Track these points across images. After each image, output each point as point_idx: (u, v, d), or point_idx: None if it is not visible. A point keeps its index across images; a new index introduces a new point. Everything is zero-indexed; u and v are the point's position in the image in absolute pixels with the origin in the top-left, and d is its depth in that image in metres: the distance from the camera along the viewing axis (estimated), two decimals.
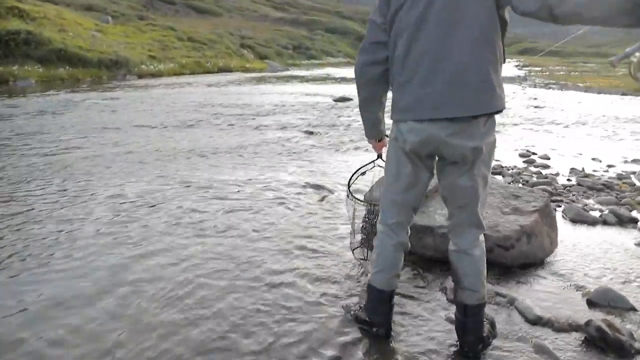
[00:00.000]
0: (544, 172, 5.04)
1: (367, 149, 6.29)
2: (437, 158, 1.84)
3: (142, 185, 4.43)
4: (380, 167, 2.52)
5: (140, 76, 19.97)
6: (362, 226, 2.82)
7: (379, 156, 2.43)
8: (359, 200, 2.72)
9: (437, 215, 3.08)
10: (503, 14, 1.66)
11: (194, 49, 27.11)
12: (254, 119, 9.00)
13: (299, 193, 4.26)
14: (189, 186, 4.42)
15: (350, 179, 2.74)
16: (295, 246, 3.07)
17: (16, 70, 16.66)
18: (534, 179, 4.65)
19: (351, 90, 15.05)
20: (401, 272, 2.07)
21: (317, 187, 4.47)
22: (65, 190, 4.28)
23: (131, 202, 3.95)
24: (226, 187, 4.41)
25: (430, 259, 2.85)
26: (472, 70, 1.62)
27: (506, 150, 6.16)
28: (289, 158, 5.71)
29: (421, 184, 1.88)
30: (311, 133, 7.37)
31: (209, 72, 24.06)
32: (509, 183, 4.41)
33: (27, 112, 9.45)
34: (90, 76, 18.79)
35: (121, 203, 3.92)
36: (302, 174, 4.94)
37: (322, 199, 4.09)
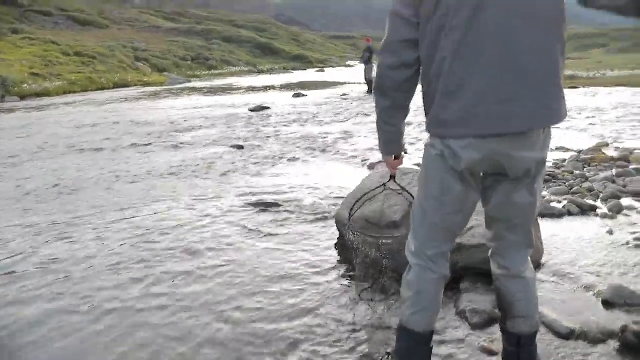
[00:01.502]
0: None
1: (305, 161, 5.99)
2: (483, 174, 1.57)
3: (46, 228, 3.70)
4: (393, 190, 2.21)
5: (22, 97, 17.71)
6: (363, 261, 2.49)
7: (392, 177, 2.06)
8: (369, 235, 2.37)
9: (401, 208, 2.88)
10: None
11: (83, 64, 24.78)
12: (171, 135, 8.26)
13: (255, 214, 3.82)
14: (107, 226, 3.77)
15: (352, 208, 2.39)
16: (276, 279, 2.66)
17: None
18: None
19: (265, 98, 14.72)
20: None
21: (269, 205, 4.07)
22: None
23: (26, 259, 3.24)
24: (162, 222, 3.83)
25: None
26: (545, 73, 1.38)
27: None
28: (224, 178, 5.21)
29: (470, 206, 1.59)
30: (241, 147, 6.88)
31: (103, 88, 22.10)
32: None
33: None
34: None
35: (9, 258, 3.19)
36: (248, 193, 4.49)
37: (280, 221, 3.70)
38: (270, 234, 3.44)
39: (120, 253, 3.15)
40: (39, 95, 18.40)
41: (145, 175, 5.38)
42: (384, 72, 1.57)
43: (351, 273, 2.70)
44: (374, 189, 2.33)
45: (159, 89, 22.46)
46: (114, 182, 5.13)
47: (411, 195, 2.22)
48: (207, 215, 3.87)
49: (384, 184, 2.24)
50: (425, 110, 1.57)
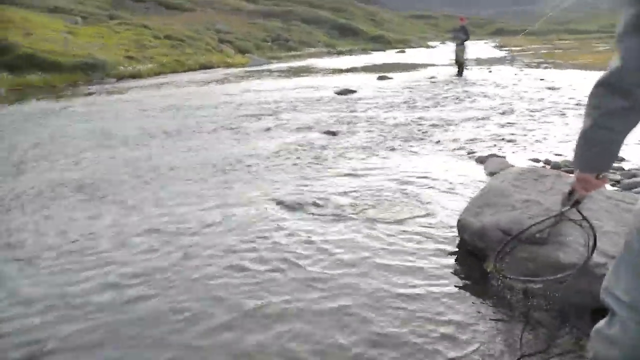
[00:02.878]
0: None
1: (405, 150, 5.60)
2: None
3: (160, 211, 3.65)
4: (575, 222, 1.75)
5: (119, 78, 18.76)
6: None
7: (577, 202, 1.61)
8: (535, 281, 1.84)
9: (581, 247, 2.40)
10: None
11: (173, 47, 25.80)
12: (260, 118, 8.20)
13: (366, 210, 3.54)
14: (223, 214, 3.66)
15: (504, 246, 1.91)
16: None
17: None
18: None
19: (349, 81, 14.36)
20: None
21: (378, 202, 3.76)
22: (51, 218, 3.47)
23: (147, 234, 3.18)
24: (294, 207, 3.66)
25: (582, 308, 2.17)
26: None
27: (562, 142, 5.56)
28: (322, 167, 4.96)
29: None
30: (333, 134, 6.62)
31: (190, 69, 22.86)
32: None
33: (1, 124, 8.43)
34: (65, 81, 17.53)
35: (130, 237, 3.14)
36: (350, 187, 4.20)
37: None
38: (384, 238, 3.14)
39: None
40: (133, 76, 19.39)
41: (243, 160, 5.27)
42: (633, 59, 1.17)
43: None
44: (545, 219, 1.85)
45: (242, 70, 22.85)
46: (220, 168, 5.08)
47: (592, 228, 1.74)
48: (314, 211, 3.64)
49: (561, 212, 1.76)
50: None
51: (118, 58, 21.08)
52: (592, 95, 1.30)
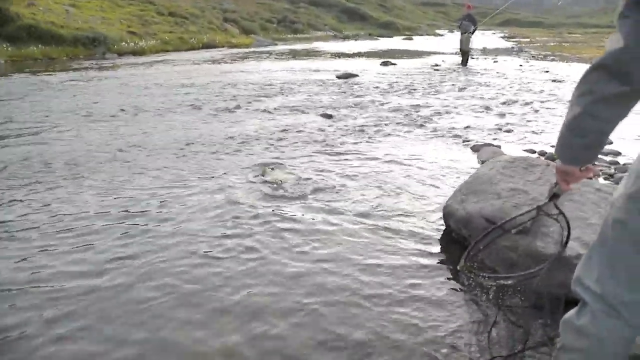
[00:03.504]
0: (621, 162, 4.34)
1: (400, 136, 5.51)
2: None
3: (149, 187, 3.59)
4: (549, 216, 1.65)
5: (121, 54, 18.54)
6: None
7: (556, 196, 1.53)
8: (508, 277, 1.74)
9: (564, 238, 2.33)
10: None
11: (176, 24, 25.51)
12: (258, 99, 8.08)
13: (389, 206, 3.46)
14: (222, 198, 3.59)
15: (480, 239, 1.78)
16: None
17: None
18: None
19: (352, 65, 14.17)
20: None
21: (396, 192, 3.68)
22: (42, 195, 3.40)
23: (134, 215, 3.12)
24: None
25: (560, 300, 2.11)
26: None
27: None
28: (315, 148, 4.88)
29: None
30: (329, 116, 6.51)
31: (193, 48, 22.63)
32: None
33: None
34: (65, 55, 17.37)
35: (124, 221, 3.08)
36: (341, 170, 4.13)
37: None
38: (367, 222, 3.07)
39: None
40: (135, 53, 19.18)
41: (234, 139, 5.19)
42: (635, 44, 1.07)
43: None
44: (520, 214, 1.76)
45: (245, 50, 22.62)
46: (216, 145, 5.01)
47: (568, 223, 1.65)
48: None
49: (538, 207, 1.67)
50: None
51: (121, 33, 20.86)
52: (584, 82, 1.20)
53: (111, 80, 10.81)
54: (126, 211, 3.22)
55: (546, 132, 5.67)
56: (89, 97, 8.24)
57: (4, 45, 16.18)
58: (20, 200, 3.43)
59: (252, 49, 23.67)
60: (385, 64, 14.71)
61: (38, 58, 16.32)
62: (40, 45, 16.99)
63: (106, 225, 3.00)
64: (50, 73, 12.21)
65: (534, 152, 4.75)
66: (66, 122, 6.24)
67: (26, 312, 2.09)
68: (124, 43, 19.70)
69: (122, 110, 7.05)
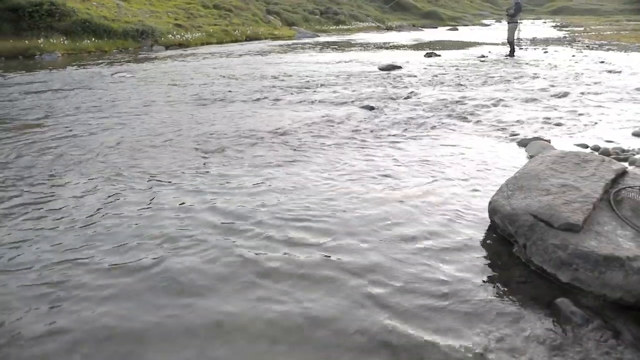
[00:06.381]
0: None
1: (443, 129, 5.41)
2: None
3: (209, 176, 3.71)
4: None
5: (168, 46, 19.09)
6: None
7: None
8: None
9: (620, 238, 2.24)
10: None
11: (220, 17, 25.92)
12: (302, 91, 8.13)
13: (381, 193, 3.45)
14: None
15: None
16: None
17: (42, 44, 16.02)
18: None
19: (395, 57, 13.97)
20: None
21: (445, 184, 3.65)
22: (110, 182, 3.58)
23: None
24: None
25: (617, 304, 2.03)
26: None
27: (615, 129, 5.20)
28: (357, 141, 4.86)
29: None
30: (372, 108, 6.47)
31: (236, 40, 22.98)
32: None
33: (58, 87, 8.78)
34: (116, 47, 18.06)
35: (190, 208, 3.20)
36: (381, 170, 4.11)
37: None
38: (411, 216, 3.05)
39: None
40: (181, 45, 19.69)
41: (277, 131, 5.26)
42: None
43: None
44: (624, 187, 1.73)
45: (288, 42, 22.73)
46: (260, 139, 5.10)
47: None
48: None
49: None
50: None
51: (167, 26, 21.42)
52: None
53: (165, 71, 11.17)
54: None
55: (599, 126, 5.41)
56: (146, 87, 8.56)
57: (61, 39, 16.98)
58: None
59: (294, 41, 23.75)
60: (429, 55, 14.41)
61: (91, 51, 17.04)
62: (93, 39, 17.72)
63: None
64: (102, 65, 12.74)
65: (586, 146, 4.56)
66: (172, 106, 6.51)
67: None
68: (170, 36, 20.23)
69: (211, 96, 7.29)
